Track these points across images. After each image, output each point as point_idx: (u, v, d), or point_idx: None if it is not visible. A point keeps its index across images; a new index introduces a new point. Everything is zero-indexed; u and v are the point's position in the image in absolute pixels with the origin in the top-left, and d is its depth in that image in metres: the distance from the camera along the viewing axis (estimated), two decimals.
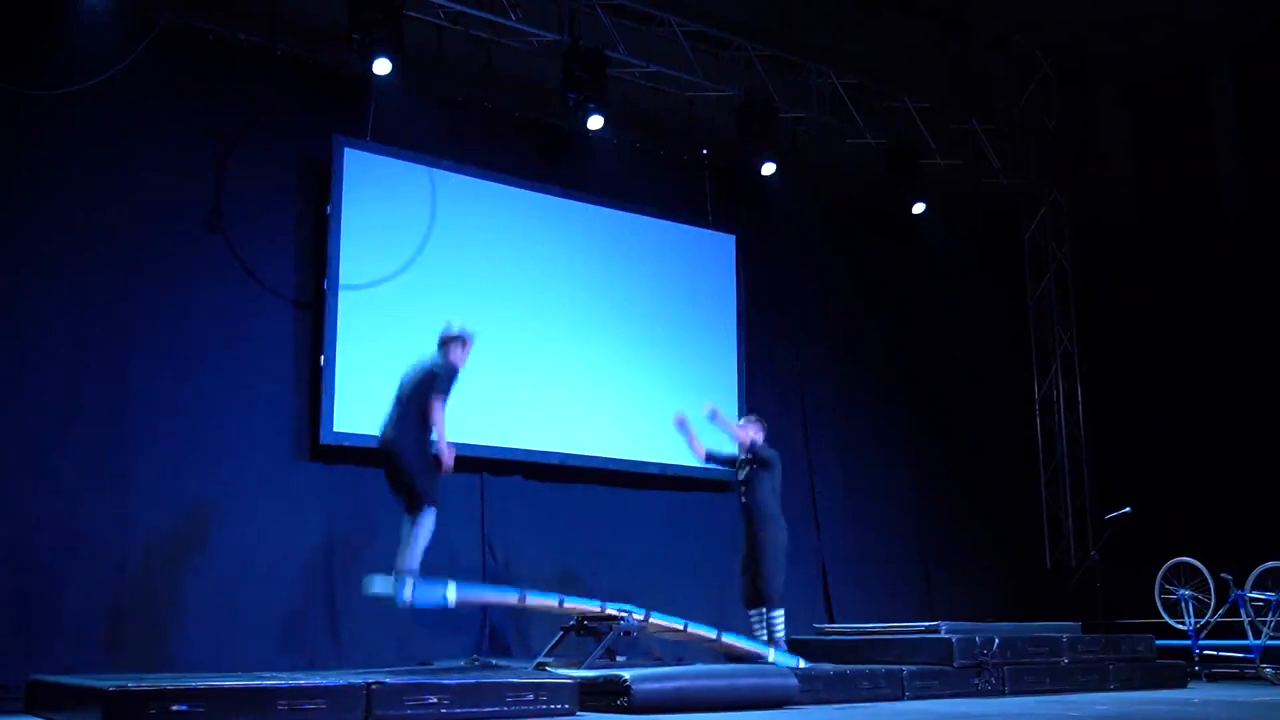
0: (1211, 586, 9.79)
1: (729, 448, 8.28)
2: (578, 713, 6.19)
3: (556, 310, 9.60)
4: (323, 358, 8.44)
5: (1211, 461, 11.84)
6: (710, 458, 8.25)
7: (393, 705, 5.64)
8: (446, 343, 6.98)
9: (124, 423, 7.71)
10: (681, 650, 8.18)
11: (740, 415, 9.12)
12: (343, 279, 8.57)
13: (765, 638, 7.80)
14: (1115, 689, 8.43)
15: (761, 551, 7.81)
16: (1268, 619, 9.51)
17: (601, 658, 7.19)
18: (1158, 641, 9.21)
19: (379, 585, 6.70)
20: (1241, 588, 9.66)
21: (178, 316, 8.03)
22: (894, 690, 7.50)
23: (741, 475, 8.06)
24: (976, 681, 7.88)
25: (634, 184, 10.26)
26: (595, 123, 9.52)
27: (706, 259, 10.57)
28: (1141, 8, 11.90)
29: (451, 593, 6.81)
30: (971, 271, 12.52)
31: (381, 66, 8.52)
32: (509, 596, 7.41)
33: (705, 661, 7.59)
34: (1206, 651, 9.85)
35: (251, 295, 8.34)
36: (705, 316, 10.42)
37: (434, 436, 6.73)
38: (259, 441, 8.21)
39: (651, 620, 7.36)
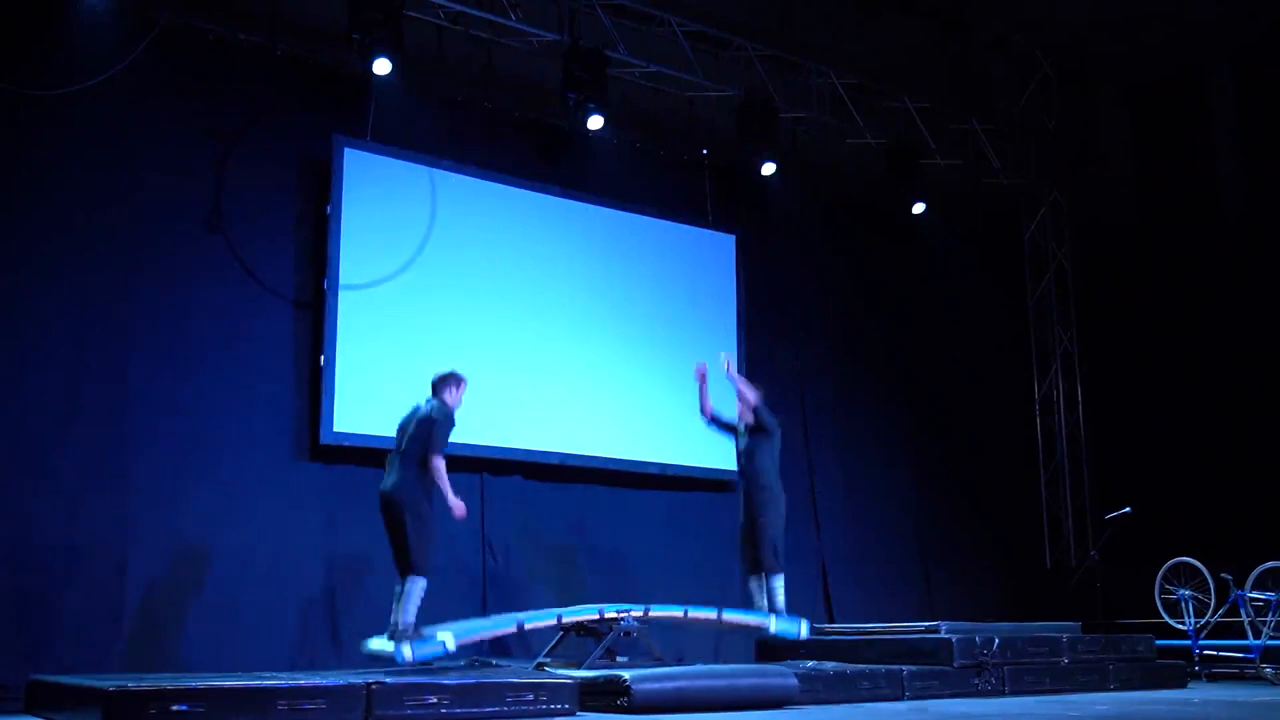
0: (1211, 586, 9.78)
1: (734, 414, 8.23)
2: (578, 713, 6.20)
3: (556, 310, 9.61)
4: (323, 358, 8.45)
5: (1211, 461, 11.84)
6: (714, 419, 8.21)
7: (393, 705, 5.65)
8: (440, 384, 6.93)
9: (124, 423, 7.71)
10: (681, 650, 8.18)
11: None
12: (343, 279, 8.57)
13: (766, 606, 7.78)
14: (1115, 689, 8.43)
15: (760, 517, 7.81)
16: (1268, 619, 9.50)
17: (601, 658, 7.20)
18: (1158, 641, 9.20)
19: (376, 645, 6.69)
20: (1241, 588, 9.65)
21: (178, 316, 8.03)
22: (894, 690, 7.50)
23: (741, 445, 8.08)
24: (976, 681, 7.87)
25: (634, 184, 10.27)
26: (595, 123, 9.52)
27: (706, 259, 10.57)
28: (1141, 8, 11.90)
29: (450, 640, 6.76)
30: (971, 271, 12.53)
31: (381, 66, 8.52)
32: (507, 627, 7.36)
33: (705, 661, 7.59)
34: (1206, 651, 9.84)
35: (251, 295, 8.35)
36: (705, 316, 10.42)
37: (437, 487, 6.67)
38: (259, 441, 8.22)
39: (651, 613, 7.35)
